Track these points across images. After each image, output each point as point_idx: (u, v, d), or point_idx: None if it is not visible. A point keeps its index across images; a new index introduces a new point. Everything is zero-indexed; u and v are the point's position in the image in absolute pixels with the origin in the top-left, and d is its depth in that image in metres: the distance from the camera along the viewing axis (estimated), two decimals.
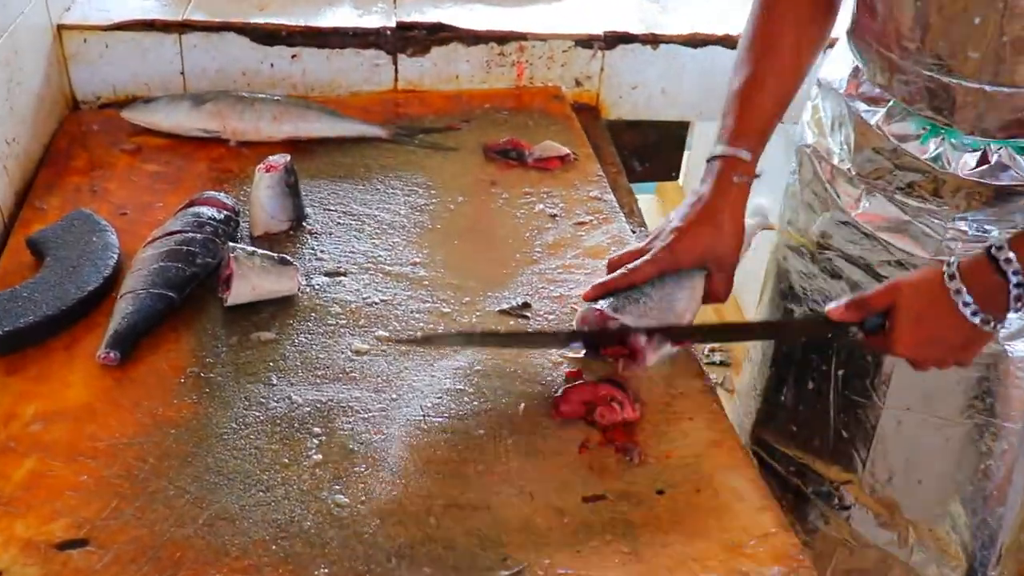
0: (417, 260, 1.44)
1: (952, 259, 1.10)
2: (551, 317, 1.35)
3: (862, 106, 1.31)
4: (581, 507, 1.08)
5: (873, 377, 1.40)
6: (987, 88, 1.16)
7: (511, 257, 1.47)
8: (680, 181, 3.44)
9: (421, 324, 1.32)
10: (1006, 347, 1.29)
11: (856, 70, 1.33)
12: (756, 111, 1.29)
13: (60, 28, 1.79)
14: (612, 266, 1.30)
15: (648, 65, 1.95)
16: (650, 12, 2.02)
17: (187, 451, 1.10)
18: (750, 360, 1.72)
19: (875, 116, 1.29)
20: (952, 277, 1.09)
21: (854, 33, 1.32)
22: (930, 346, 1.14)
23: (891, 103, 1.27)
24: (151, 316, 1.24)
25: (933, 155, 1.24)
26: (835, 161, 1.37)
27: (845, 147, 1.35)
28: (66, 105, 1.82)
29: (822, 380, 1.48)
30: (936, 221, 1.26)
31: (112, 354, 1.19)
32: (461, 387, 1.22)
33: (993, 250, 1.07)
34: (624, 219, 1.58)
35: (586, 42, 1.93)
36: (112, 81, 1.84)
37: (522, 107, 1.88)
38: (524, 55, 1.92)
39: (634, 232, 1.57)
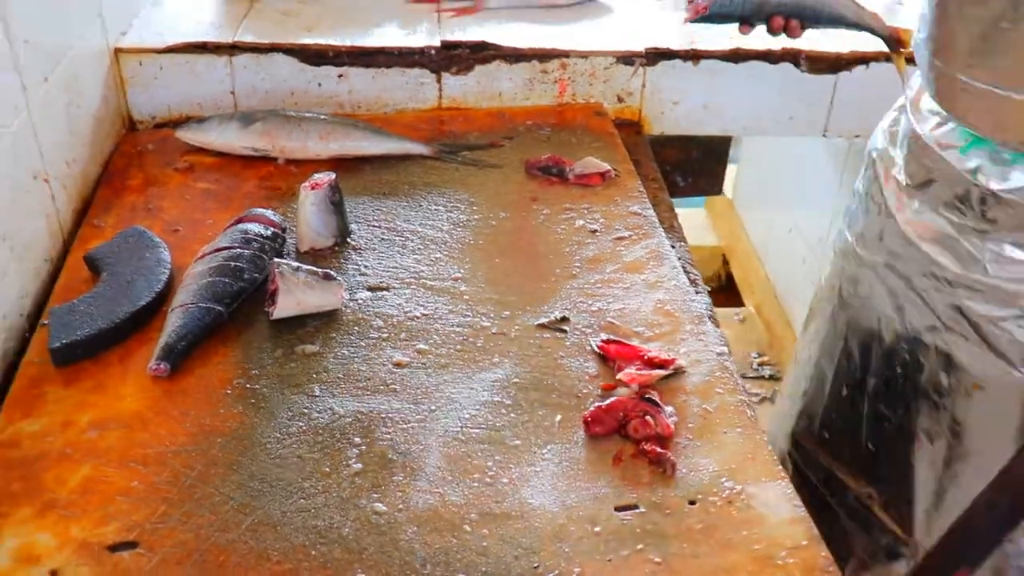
0: (458, 275, 1.48)
1: None
2: (588, 331, 1.37)
3: (918, 115, 1.35)
4: (613, 517, 1.10)
5: (904, 393, 1.40)
6: (1015, 96, 1.14)
7: (551, 272, 1.50)
8: (730, 195, 3.45)
9: (460, 338, 1.35)
10: None
11: (920, 84, 1.36)
12: None
13: (117, 51, 1.86)
14: None
15: (689, 81, 1.96)
16: (690, 28, 2.03)
17: (232, 459, 1.14)
18: (796, 362, 1.73)
19: (925, 125, 1.32)
20: None
21: (916, 45, 1.33)
22: None
23: (941, 113, 1.30)
24: (200, 329, 1.29)
25: (973, 167, 1.24)
26: (894, 170, 1.39)
27: (904, 155, 1.37)
28: (123, 125, 1.89)
29: (857, 390, 1.49)
30: (975, 240, 1.26)
31: (162, 366, 1.24)
32: (499, 399, 1.25)
33: None
34: (663, 234, 1.60)
35: (627, 59, 1.95)
36: (167, 101, 1.91)
37: (564, 124, 1.91)
38: (566, 72, 1.95)
39: (673, 247, 1.58)
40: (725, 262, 3.53)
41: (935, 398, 1.36)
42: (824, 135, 2.05)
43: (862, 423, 1.48)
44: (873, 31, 1.65)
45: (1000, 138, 1.20)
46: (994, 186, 1.21)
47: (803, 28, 1.57)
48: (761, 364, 3.10)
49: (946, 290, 1.29)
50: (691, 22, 1.60)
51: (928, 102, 1.33)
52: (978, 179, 1.22)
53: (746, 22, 1.60)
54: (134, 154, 1.79)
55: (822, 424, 1.60)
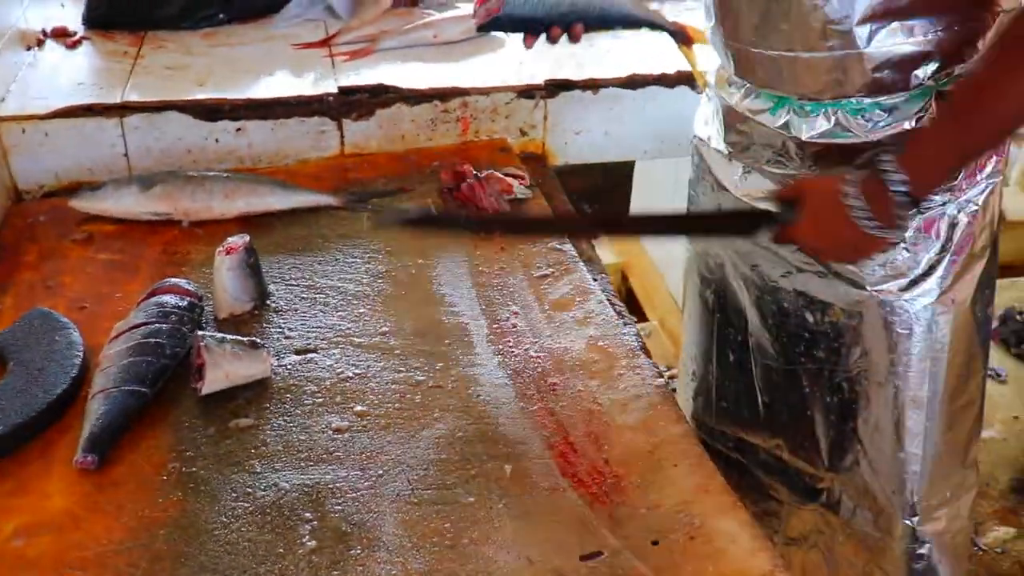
0: (386, 329, 1.44)
1: (852, 174, 1.26)
2: (527, 375, 1.36)
3: (724, 92, 1.49)
4: (580, 567, 1.08)
5: (780, 340, 1.52)
6: (802, 55, 1.30)
7: (478, 318, 1.48)
8: None
9: (398, 395, 1.32)
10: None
11: (721, 64, 1.50)
12: None
13: None
14: None
15: (590, 110, 1.98)
16: (587, 57, 2.05)
17: (179, 551, 1.08)
18: (683, 350, 1.83)
19: (733, 98, 1.46)
20: (850, 187, 1.24)
21: (710, 33, 1.47)
22: (827, 241, 1.31)
23: (745, 85, 1.43)
24: (125, 414, 1.22)
25: (783, 123, 1.38)
26: (714, 145, 1.53)
27: (719, 131, 1.51)
28: (8, 197, 1.79)
29: (742, 351, 1.60)
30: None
31: (89, 458, 1.17)
32: (445, 456, 1.22)
33: (883, 168, 1.22)
34: (584, 268, 1.60)
35: (528, 92, 1.96)
36: (54, 169, 1.82)
37: (470, 162, 1.88)
38: (468, 110, 1.94)
39: (596, 280, 1.59)
40: (624, 278, 3.57)
41: (806, 335, 1.47)
42: None
43: (754, 381, 1.58)
44: (661, 27, 1.66)
45: (797, 92, 1.36)
46: (804, 135, 1.36)
47: (586, 31, 1.53)
48: (671, 377, 3.14)
49: None
50: (479, 28, 1.53)
51: (731, 79, 1.47)
52: (790, 131, 1.37)
53: (531, 30, 1.50)
54: (24, 227, 1.70)
55: (718, 396, 1.69)
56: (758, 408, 1.59)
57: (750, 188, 1.46)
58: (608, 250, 3.66)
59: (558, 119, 1.98)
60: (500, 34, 2.15)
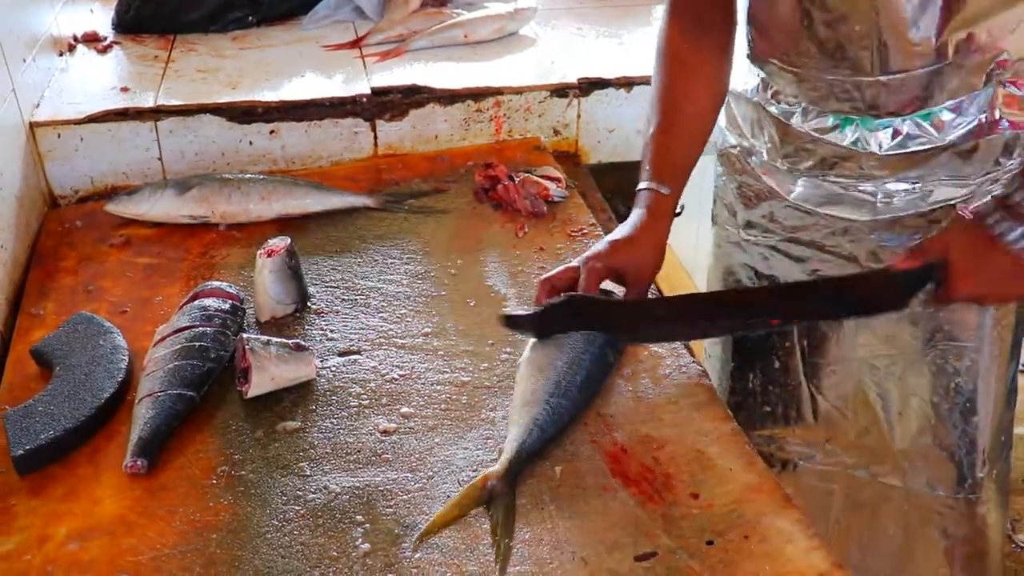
0: (428, 330, 1.44)
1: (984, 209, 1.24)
2: None
3: (776, 110, 1.46)
4: (635, 567, 1.07)
5: (837, 337, 1.52)
6: (882, 79, 1.31)
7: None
8: None
9: (444, 396, 1.31)
10: None
11: (764, 81, 1.48)
12: (671, 154, 1.42)
13: (32, 125, 1.76)
14: (545, 285, 1.34)
15: (623, 108, 1.97)
16: (618, 55, 2.05)
17: (232, 555, 1.08)
18: (709, 357, 1.81)
19: (792, 118, 1.44)
20: (991, 218, 1.22)
21: (754, 55, 1.46)
22: (988, 282, 1.25)
23: (803, 105, 1.42)
24: (173, 418, 1.22)
25: (852, 140, 1.39)
26: (765, 158, 1.50)
27: (770, 146, 1.49)
28: (44, 203, 1.79)
29: (787, 356, 1.59)
30: (868, 185, 1.40)
31: (139, 462, 1.17)
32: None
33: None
34: None
35: (561, 91, 1.94)
36: (89, 173, 1.82)
37: (504, 161, 1.88)
38: (501, 109, 1.93)
39: None
40: None
41: (877, 329, 1.48)
42: None
43: (803, 381, 1.58)
44: None
45: (875, 112, 1.35)
46: (878, 150, 1.37)
47: None
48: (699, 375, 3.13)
49: (863, 236, 1.44)
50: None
51: (782, 98, 1.46)
52: (861, 147, 1.38)
53: None
54: (62, 232, 1.70)
55: (760, 403, 1.67)
56: (805, 406, 1.59)
57: (815, 195, 1.46)
58: None
59: (591, 117, 1.97)
60: (528, 33, 2.15)
